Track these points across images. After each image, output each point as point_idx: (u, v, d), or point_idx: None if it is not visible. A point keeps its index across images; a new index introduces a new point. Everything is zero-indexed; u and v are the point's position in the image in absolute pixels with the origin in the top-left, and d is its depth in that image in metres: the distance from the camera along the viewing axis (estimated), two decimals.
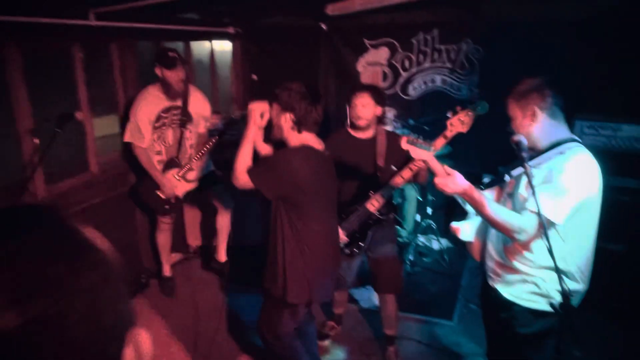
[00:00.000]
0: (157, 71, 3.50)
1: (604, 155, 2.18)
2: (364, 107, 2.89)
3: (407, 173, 2.74)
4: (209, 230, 4.57)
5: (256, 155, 2.53)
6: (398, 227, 4.42)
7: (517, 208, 2.04)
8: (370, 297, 3.89)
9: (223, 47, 5.38)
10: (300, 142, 2.35)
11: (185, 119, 3.73)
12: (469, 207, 2.32)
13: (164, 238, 4.06)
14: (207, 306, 3.87)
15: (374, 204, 2.89)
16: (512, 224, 1.89)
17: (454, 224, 2.39)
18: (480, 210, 1.96)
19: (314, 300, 2.62)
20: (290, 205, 2.35)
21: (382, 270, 3.06)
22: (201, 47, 5.15)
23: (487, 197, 1.98)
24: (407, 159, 2.80)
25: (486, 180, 2.79)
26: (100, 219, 3.74)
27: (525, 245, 2.01)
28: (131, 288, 3.99)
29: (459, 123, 2.44)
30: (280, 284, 2.41)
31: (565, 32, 3.96)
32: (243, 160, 2.38)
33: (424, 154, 2.07)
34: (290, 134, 2.36)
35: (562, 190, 1.86)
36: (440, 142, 2.55)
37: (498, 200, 2.23)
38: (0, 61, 2.96)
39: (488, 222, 2.01)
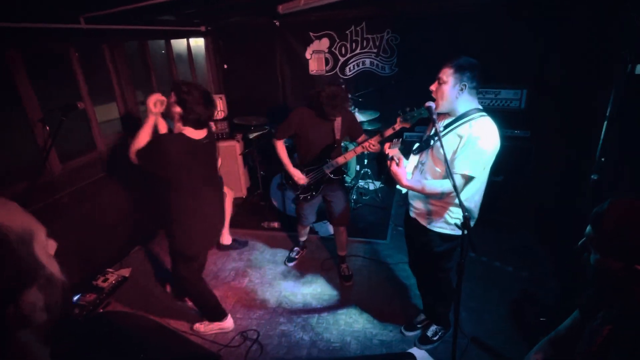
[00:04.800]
0: None
1: (487, 112, 2.10)
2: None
3: (359, 149, 2.71)
4: None
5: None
6: (345, 176, 4.41)
7: (436, 160, 1.99)
8: (326, 228, 3.92)
9: (197, 42, 4.98)
10: (179, 131, 2.12)
11: None
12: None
13: None
14: None
15: (329, 168, 2.87)
16: (443, 189, 1.87)
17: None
18: (420, 192, 1.94)
19: (199, 254, 2.51)
20: (165, 179, 2.19)
21: (336, 210, 3.05)
22: (180, 44, 4.74)
23: (423, 181, 1.92)
24: (358, 137, 2.84)
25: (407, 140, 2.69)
26: (111, 187, 3.52)
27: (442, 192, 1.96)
28: (144, 236, 3.83)
29: (404, 122, 2.25)
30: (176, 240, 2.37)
31: (458, 22, 3.91)
32: (137, 142, 2.15)
33: (395, 151, 1.89)
34: (176, 123, 2.16)
35: (479, 151, 1.82)
36: (388, 132, 2.47)
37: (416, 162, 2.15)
38: (4, 64, 2.60)
39: (426, 195, 1.97)
